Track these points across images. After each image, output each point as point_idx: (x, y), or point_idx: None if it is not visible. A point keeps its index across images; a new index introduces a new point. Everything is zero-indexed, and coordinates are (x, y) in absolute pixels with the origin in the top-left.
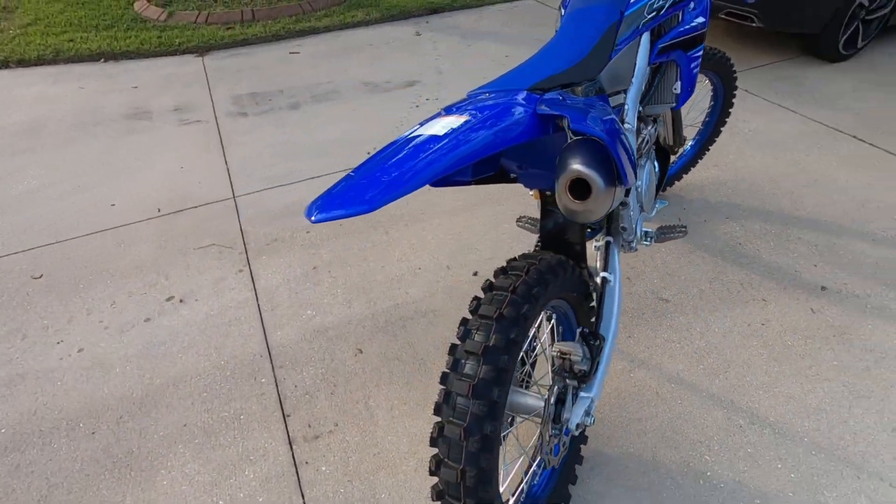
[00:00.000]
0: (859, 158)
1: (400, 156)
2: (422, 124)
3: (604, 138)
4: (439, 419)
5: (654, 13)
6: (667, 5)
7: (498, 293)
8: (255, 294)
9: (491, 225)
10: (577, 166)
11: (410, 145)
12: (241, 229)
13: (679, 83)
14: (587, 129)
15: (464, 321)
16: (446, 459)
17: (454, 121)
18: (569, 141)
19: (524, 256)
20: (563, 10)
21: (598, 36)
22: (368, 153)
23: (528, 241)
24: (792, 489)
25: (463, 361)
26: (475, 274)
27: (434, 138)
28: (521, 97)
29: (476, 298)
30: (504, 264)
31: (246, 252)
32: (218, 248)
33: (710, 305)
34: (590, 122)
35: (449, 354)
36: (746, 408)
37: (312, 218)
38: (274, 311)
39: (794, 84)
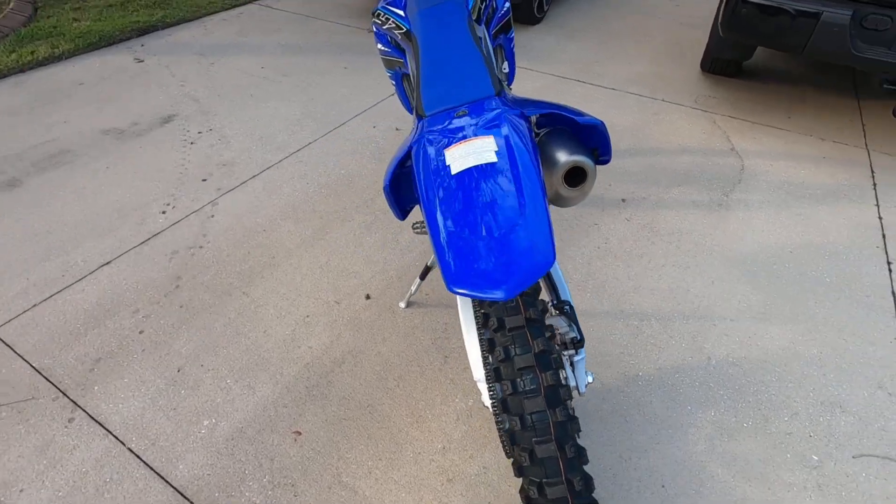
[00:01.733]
0: (589, 95)
1: (488, 216)
2: (446, 149)
3: (601, 123)
4: (522, 447)
5: (483, 3)
6: None
7: (510, 302)
8: (114, 437)
9: (353, 244)
10: (571, 157)
11: (482, 199)
12: (33, 368)
13: (507, 63)
14: (586, 118)
15: (490, 343)
16: (546, 481)
17: (488, 144)
18: (534, 136)
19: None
20: (403, 11)
21: (467, 33)
22: (164, 212)
23: (401, 248)
24: (671, 347)
25: (520, 380)
26: (368, 297)
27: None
28: (494, 106)
29: (484, 314)
30: None
31: (63, 394)
32: (10, 409)
33: (569, 241)
34: (573, 113)
35: (494, 382)
36: (633, 311)
37: (455, 289)
38: (155, 445)
39: (519, 48)
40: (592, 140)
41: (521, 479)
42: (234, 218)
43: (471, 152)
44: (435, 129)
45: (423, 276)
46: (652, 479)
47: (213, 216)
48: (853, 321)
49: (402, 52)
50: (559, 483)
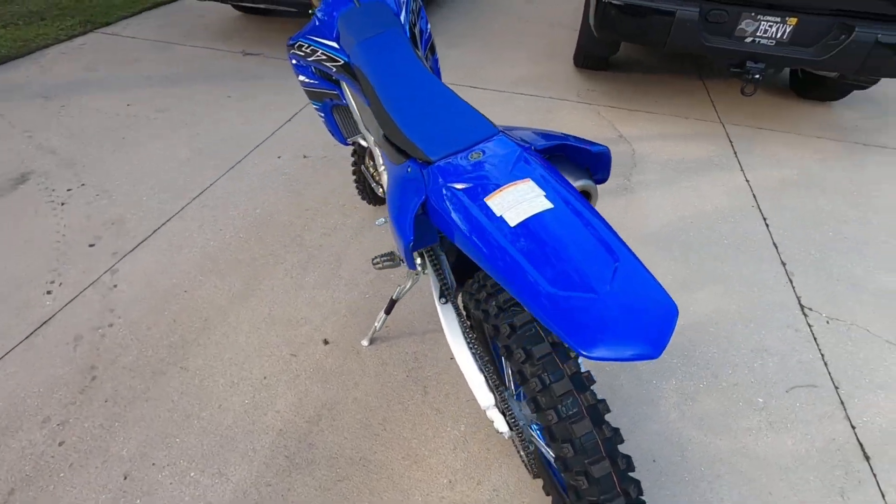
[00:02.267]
0: (482, 99)
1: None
2: (486, 198)
3: (607, 149)
4: (576, 471)
5: (415, 27)
6: (419, 21)
7: (525, 328)
8: None
9: (293, 287)
10: (578, 182)
11: (566, 250)
12: None
13: None
14: (597, 146)
15: (521, 375)
16: (604, 497)
17: (531, 188)
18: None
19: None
20: (336, 42)
21: (419, 63)
22: (50, 292)
23: (346, 283)
24: None
25: (562, 406)
26: (326, 343)
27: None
28: (507, 145)
29: (506, 347)
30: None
31: None
32: None
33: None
34: (582, 143)
35: (538, 411)
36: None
37: (593, 354)
38: None
39: None
40: (596, 163)
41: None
42: (143, 284)
43: (519, 200)
44: (454, 175)
45: (388, 311)
46: (643, 457)
47: (115, 286)
48: (754, 274)
49: (333, 84)
50: (617, 496)
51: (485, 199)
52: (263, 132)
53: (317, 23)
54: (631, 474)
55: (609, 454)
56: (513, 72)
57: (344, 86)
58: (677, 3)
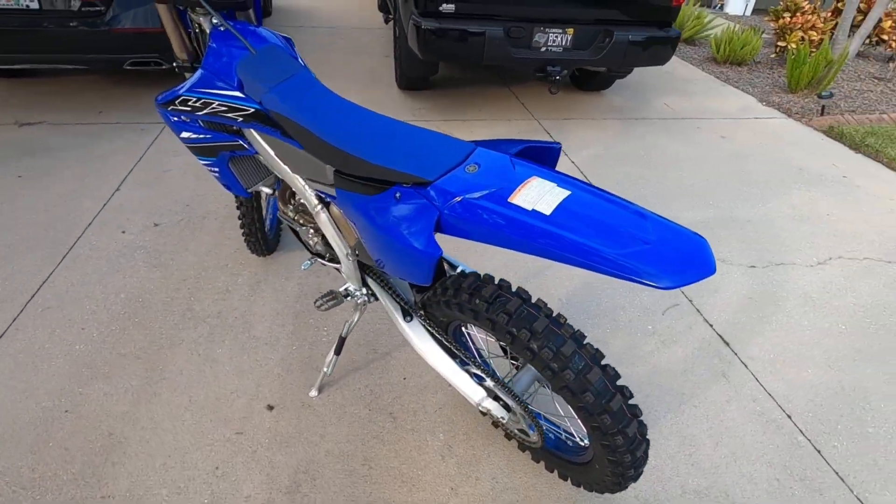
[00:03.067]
0: None
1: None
2: (509, 198)
3: (559, 144)
4: (599, 414)
5: None
6: None
7: (520, 311)
8: None
9: (206, 364)
10: None
11: (609, 220)
12: None
13: None
14: (548, 143)
15: (527, 349)
16: (622, 427)
17: (543, 183)
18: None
19: (485, 282)
20: (238, 92)
21: (342, 100)
22: None
23: (265, 341)
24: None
25: (573, 363)
26: (271, 408)
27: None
28: (492, 154)
29: (508, 333)
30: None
31: None
32: None
33: None
34: (536, 143)
35: (553, 362)
36: None
37: (671, 284)
38: None
39: None
40: (551, 158)
41: (590, 458)
42: (3, 415)
43: (540, 194)
44: (464, 188)
45: (339, 351)
46: None
47: None
48: None
49: (232, 135)
50: (631, 420)
51: (509, 200)
52: (89, 207)
53: (204, 75)
54: (631, 401)
55: (617, 389)
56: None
57: (252, 134)
58: (485, 25)
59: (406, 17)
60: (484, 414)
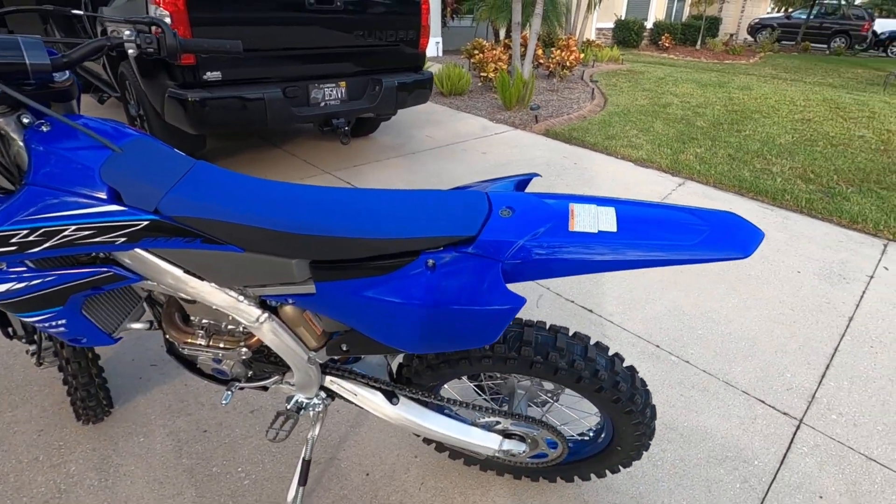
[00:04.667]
0: None
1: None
2: (568, 230)
3: (536, 174)
4: (636, 393)
5: None
6: None
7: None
8: None
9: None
10: None
11: (668, 219)
12: None
13: None
14: (530, 175)
15: (560, 370)
16: (647, 397)
17: (585, 208)
18: None
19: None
20: (151, 188)
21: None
22: None
23: (210, 475)
24: None
25: (571, 349)
26: None
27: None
28: (514, 196)
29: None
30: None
31: None
32: None
33: None
34: (521, 176)
35: (619, 388)
36: None
37: (742, 256)
38: None
39: None
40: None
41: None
42: None
43: (591, 216)
44: (515, 233)
45: (304, 480)
46: None
47: None
48: None
49: (95, 267)
50: (648, 392)
51: (571, 230)
52: None
53: (38, 195)
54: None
55: (631, 371)
56: None
57: (139, 254)
58: (262, 88)
59: (156, 92)
60: (485, 465)
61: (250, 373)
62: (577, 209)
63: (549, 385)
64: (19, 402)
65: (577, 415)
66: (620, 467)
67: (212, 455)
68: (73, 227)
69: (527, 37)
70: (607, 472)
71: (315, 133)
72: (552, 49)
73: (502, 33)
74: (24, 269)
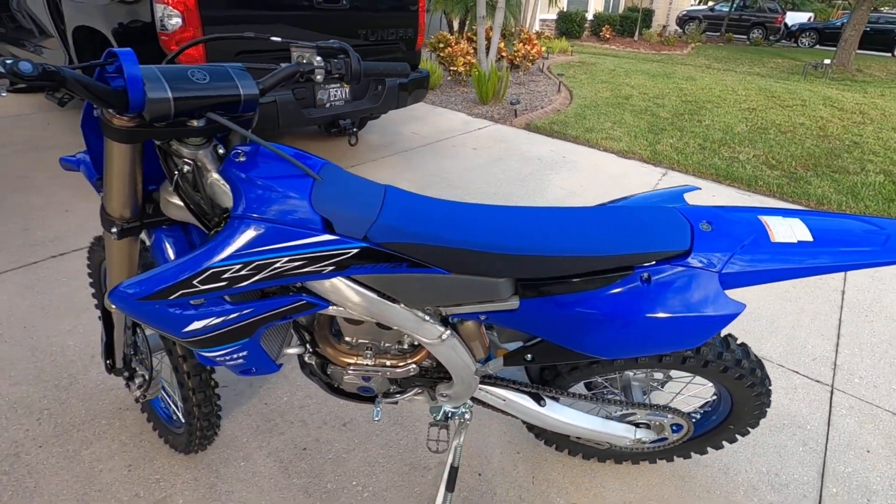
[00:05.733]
0: None
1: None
2: (771, 241)
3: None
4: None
5: None
6: None
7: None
8: None
9: None
10: None
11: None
12: None
13: None
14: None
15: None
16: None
17: (776, 218)
18: None
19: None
20: (359, 217)
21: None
22: None
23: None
24: None
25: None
26: None
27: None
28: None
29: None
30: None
31: None
32: None
33: None
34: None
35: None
36: None
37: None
38: None
39: None
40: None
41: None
42: None
43: (787, 227)
44: (727, 245)
45: (451, 486)
46: None
47: None
48: None
49: (292, 297)
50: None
51: (774, 241)
52: None
53: (251, 227)
54: None
55: (756, 358)
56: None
57: (339, 283)
58: (276, 93)
59: None
60: (603, 456)
61: (394, 387)
62: (770, 221)
63: (659, 374)
64: (92, 438)
65: (682, 396)
66: (738, 436)
67: (321, 472)
68: (286, 259)
69: (489, 30)
70: (724, 443)
71: (299, 135)
72: (513, 42)
73: (456, 24)
74: (222, 305)
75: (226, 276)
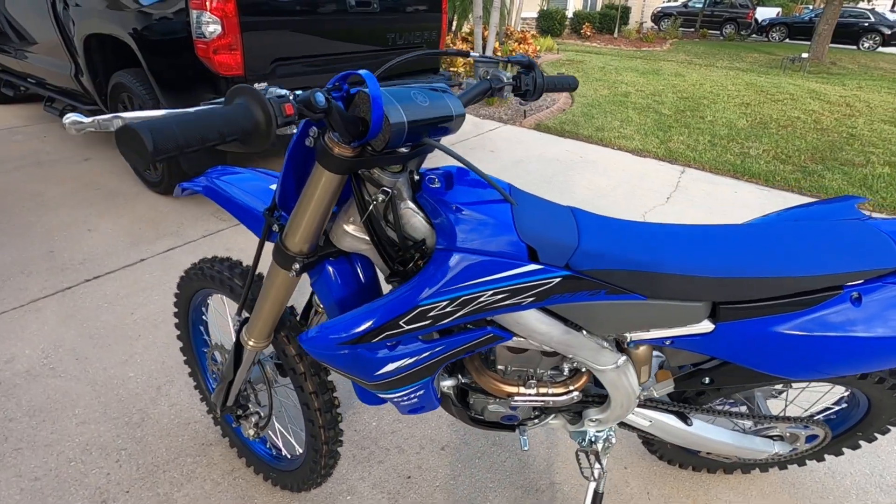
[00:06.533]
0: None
1: None
2: None
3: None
4: None
5: None
6: None
7: None
8: None
9: None
10: None
11: None
12: None
13: None
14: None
15: None
16: None
17: None
18: None
19: None
20: (560, 244)
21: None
22: None
23: None
24: None
25: None
26: None
27: None
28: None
29: None
30: None
31: None
32: None
33: None
34: None
35: None
36: None
37: None
38: None
39: None
40: None
41: None
42: None
43: None
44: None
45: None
46: None
47: None
48: None
49: (481, 330)
50: None
51: None
52: None
53: (457, 260)
54: None
55: None
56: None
57: (530, 314)
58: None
59: (185, 105)
60: (730, 468)
61: (535, 413)
62: None
63: (779, 384)
64: (182, 479)
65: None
66: (877, 435)
67: (432, 501)
68: (490, 292)
69: (485, 30)
70: (861, 443)
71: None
72: (508, 42)
73: (454, 24)
74: (417, 342)
75: (432, 313)
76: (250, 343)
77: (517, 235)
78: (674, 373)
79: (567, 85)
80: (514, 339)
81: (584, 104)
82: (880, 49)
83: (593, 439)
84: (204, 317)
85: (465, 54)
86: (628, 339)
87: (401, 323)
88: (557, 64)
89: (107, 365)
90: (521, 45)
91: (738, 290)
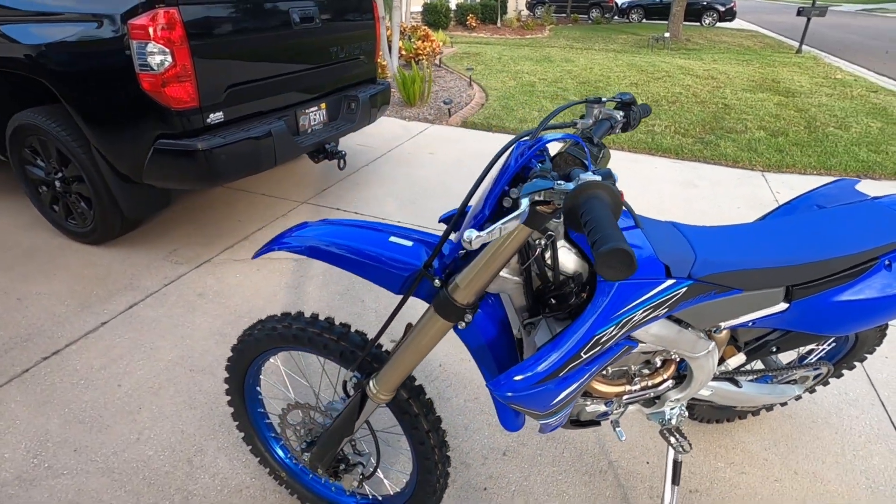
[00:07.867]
0: None
1: None
2: None
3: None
4: None
5: None
6: None
7: None
8: None
9: None
10: None
11: None
12: None
13: None
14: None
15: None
16: None
17: None
18: None
19: None
20: (682, 256)
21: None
22: None
23: None
24: None
25: None
26: None
27: None
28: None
29: None
30: None
31: None
32: None
33: None
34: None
35: None
36: None
37: None
38: None
39: None
40: None
41: None
42: None
43: None
44: None
45: (677, 479)
46: None
47: None
48: None
49: (621, 343)
50: None
51: None
52: None
53: (621, 288)
54: None
55: None
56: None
57: (659, 323)
58: (265, 123)
59: (125, 147)
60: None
61: (618, 409)
62: None
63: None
64: None
65: None
66: (866, 356)
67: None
68: (642, 310)
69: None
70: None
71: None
72: (413, 40)
73: None
74: (583, 367)
75: (604, 339)
76: (381, 396)
77: (656, 256)
78: (739, 348)
79: (646, 112)
80: (640, 345)
81: (497, 97)
82: (718, 24)
83: (671, 417)
84: (262, 377)
85: (574, 125)
86: (722, 327)
87: (581, 354)
88: (456, 57)
89: (115, 449)
90: (424, 42)
91: (807, 273)
